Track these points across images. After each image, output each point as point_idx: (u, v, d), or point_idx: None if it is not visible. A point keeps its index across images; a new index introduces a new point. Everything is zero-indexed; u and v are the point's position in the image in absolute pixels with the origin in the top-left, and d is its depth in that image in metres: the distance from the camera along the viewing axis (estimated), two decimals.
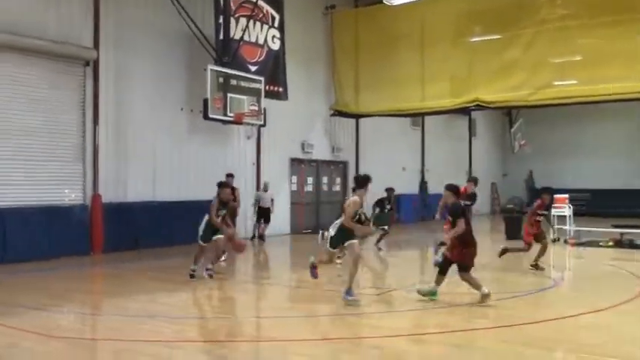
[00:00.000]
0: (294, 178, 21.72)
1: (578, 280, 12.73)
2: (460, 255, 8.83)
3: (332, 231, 8.92)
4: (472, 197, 13.20)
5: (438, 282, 8.93)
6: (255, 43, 17.93)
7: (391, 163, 25.62)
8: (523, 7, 17.93)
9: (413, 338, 7.17)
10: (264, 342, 7.12)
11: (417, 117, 26.54)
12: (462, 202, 11.30)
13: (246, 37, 17.17)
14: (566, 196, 19.08)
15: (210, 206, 10.78)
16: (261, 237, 18.52)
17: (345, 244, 8.87)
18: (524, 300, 9.51)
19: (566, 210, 18.61)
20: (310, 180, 22.58)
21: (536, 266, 12.15)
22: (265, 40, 18.26)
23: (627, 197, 30.04)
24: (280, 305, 9.38)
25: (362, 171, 20.44)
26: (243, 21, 17.11)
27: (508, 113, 33.34)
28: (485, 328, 7.59)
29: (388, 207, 16.09)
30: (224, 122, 16.55)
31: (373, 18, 21.37)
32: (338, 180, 23.86)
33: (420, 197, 27.95)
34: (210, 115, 15.67)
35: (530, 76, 17.90)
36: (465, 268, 8.85)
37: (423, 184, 28.75)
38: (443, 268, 8.98)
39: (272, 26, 18.51)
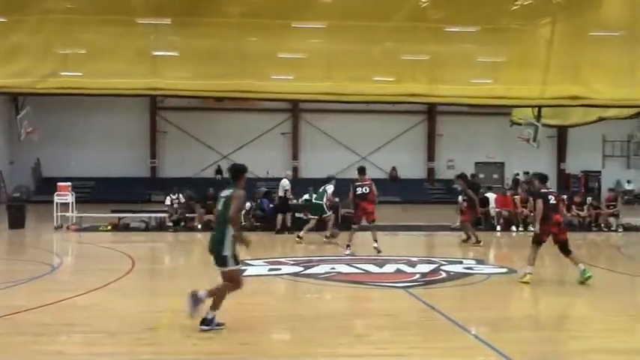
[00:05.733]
0: None
1: (77, 264, 13.45)
2: None
3: None
4: None
5: None
6: None
7: None
8: None
9: None
10: None
11: None
12: None
13: None
14: (69, 184, 19.62)
15: None
16: None
17: None
18: (20, 289, 9.62)
19: (69, 197, 19.09)
20: None
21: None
22: None
23: (127, 184, 32.58)
24: None
25: None
26: None
27: (14, 99, 31.87)
28: None
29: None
30: None
31: None
32: None
33: None
34: None
35: (35, 63, 17.68)
36: None
37: None
38: None
39: None
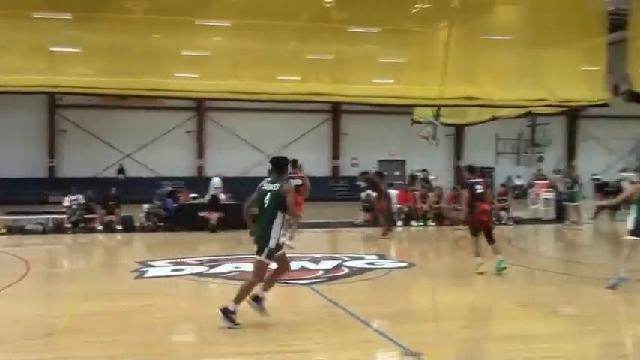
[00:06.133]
0: None
1: None
2: None
3: None
4: None
5: None
6: None
7: None
8: None
9: None
10: None
11: None
12: None
13: None
14: None
15: None
16: None
17: None
18: None
19: None
20: None
21: None
22: None
23: (23, 185, 31.08)
24: None
25: None
26: None
27: None
28: None
29: None
30: None
31: None
32: None
33: None
34: None
35: None
36: None
37: None
38: None
39: None
